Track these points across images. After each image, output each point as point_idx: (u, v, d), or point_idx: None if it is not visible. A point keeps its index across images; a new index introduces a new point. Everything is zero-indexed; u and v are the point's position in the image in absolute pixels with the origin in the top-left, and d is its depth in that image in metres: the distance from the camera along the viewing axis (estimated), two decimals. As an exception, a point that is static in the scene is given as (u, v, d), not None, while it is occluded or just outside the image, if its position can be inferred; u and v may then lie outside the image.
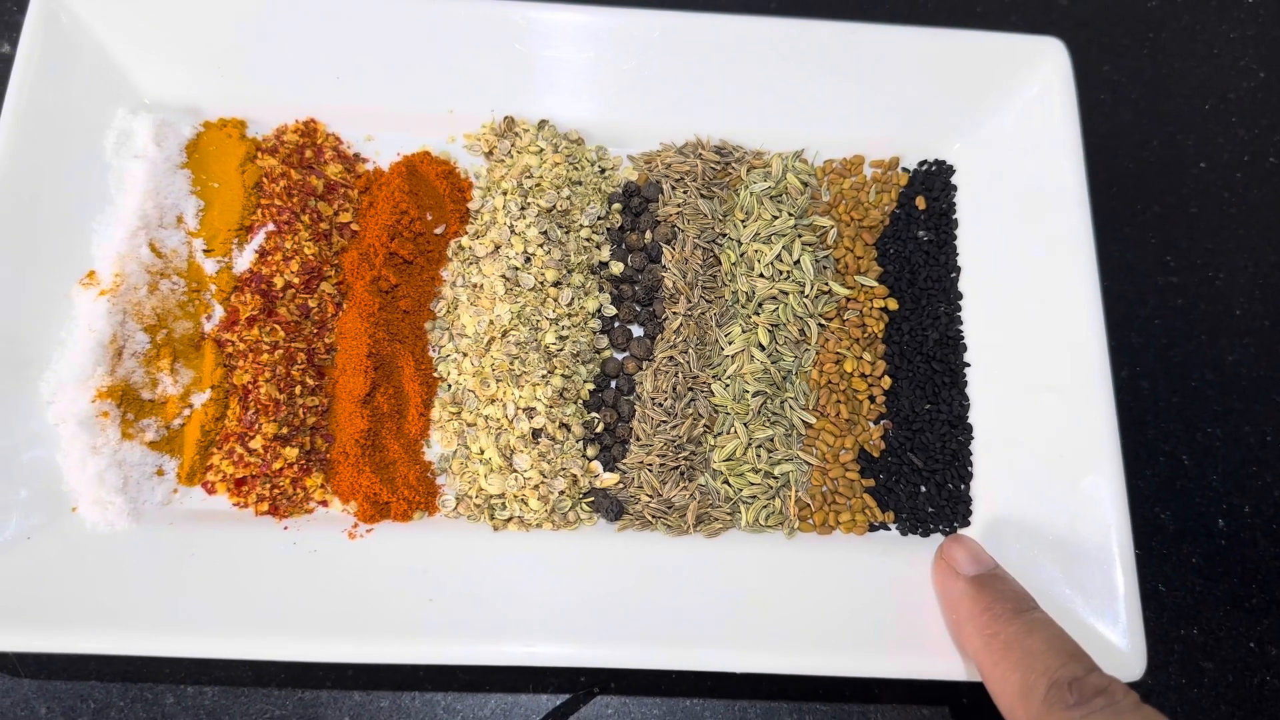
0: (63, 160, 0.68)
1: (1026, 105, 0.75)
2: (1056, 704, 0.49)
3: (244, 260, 0.69)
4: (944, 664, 0.60)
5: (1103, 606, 0.62)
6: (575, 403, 0.69)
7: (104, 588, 0.60)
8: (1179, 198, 0.83)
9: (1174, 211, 0.83)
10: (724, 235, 0.73)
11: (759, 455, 0.68)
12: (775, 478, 0.68)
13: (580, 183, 0.73)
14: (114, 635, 0.58)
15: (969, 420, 0.70)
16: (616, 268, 0.73)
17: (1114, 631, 0.61)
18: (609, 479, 0.67)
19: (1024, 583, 0.63)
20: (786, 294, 0.70)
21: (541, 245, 0.69)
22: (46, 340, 0.65)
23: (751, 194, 0.73)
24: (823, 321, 0.71)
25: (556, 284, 0.69)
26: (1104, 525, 0.64)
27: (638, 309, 0.72)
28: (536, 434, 0.67)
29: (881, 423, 0.71)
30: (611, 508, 0.66)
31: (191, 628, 0.59)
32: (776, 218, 0.72)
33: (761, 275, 0.71)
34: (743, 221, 0.73)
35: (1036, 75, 0.74)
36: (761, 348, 0.69)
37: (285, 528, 0.64)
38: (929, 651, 0.61)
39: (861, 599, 0.63)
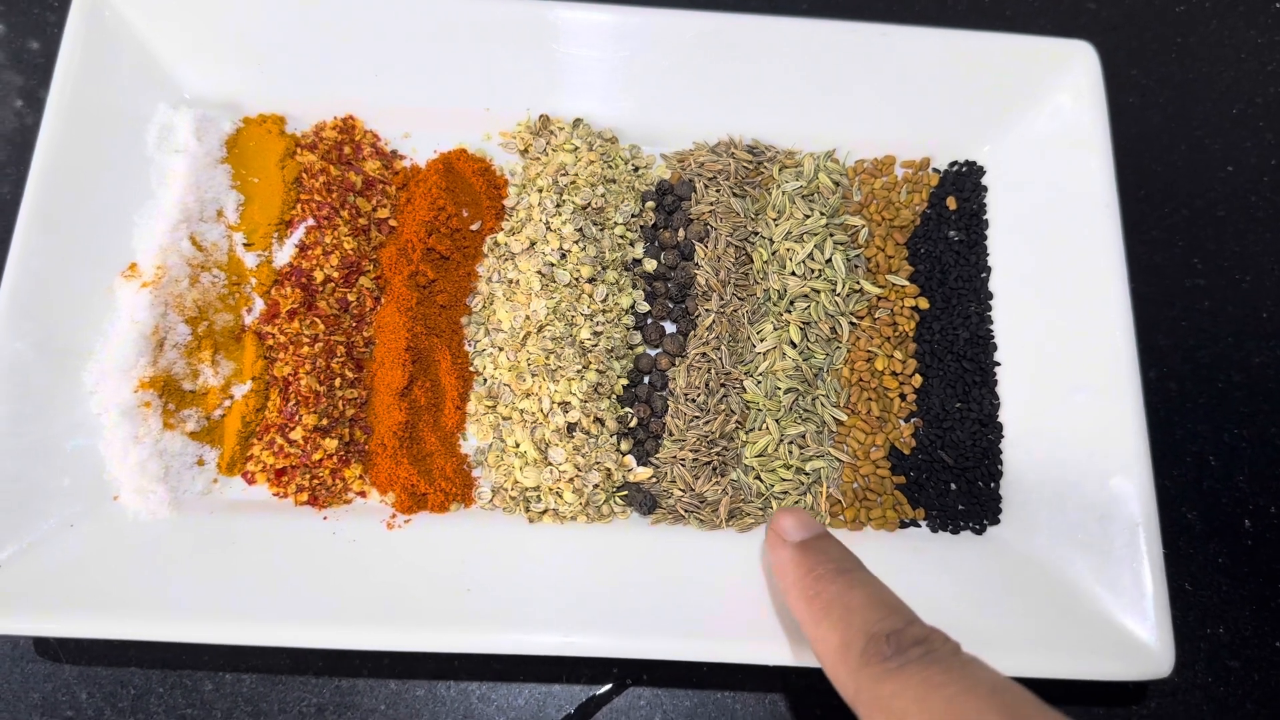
0: (105, 154, 0.69)
1: (1057, 108, 0.75)
2: (874, 658, 0.46)
3: (284, 254, 0.70)
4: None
5: (1131, 604, 0.62)
6: (609, 398, 0.69)
7: (144, 575, 0.61)
8: (1206, 201, 0.84)
9: (1201, 215, 0.83)
10: (756, 234, 0.74)
11: (791, 451, 0.68)
12: (807, 474, 0.68)
13: (614, 181, 0.74)
14: (154, 622, 0.59)
15: (999, 419, 0.71)
16: (650, 265, 0.73)
17: (1143, 629, 0.61)
18: (642, 473, 0.68)
19: (1052, 580, 0.65)
20: (818, 292, 0.71)
21: (577, 242, 0.70)
22: (89, 331, 0.65)
23: (784, 193, 0.74)
24: (854, 320, 0.72)
25: (591, 280, 0.70)
26: (1133, 524, 0.64)
27: (671, 306, 0.73)
28: (571, 428, 0.67)
29: (912, 421, 0.71)
30: (645, 502, 0.67)
31: (231, 615, 0.59)
32: (808, 217, 0.72)
33: (793, 273, 0.71)
34: (775, 220, 0.73)
35: (1067, 78, 0.74)
36: (793, 345, 0.70)
37: (324, 518, 0.65)
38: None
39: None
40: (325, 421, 0.66)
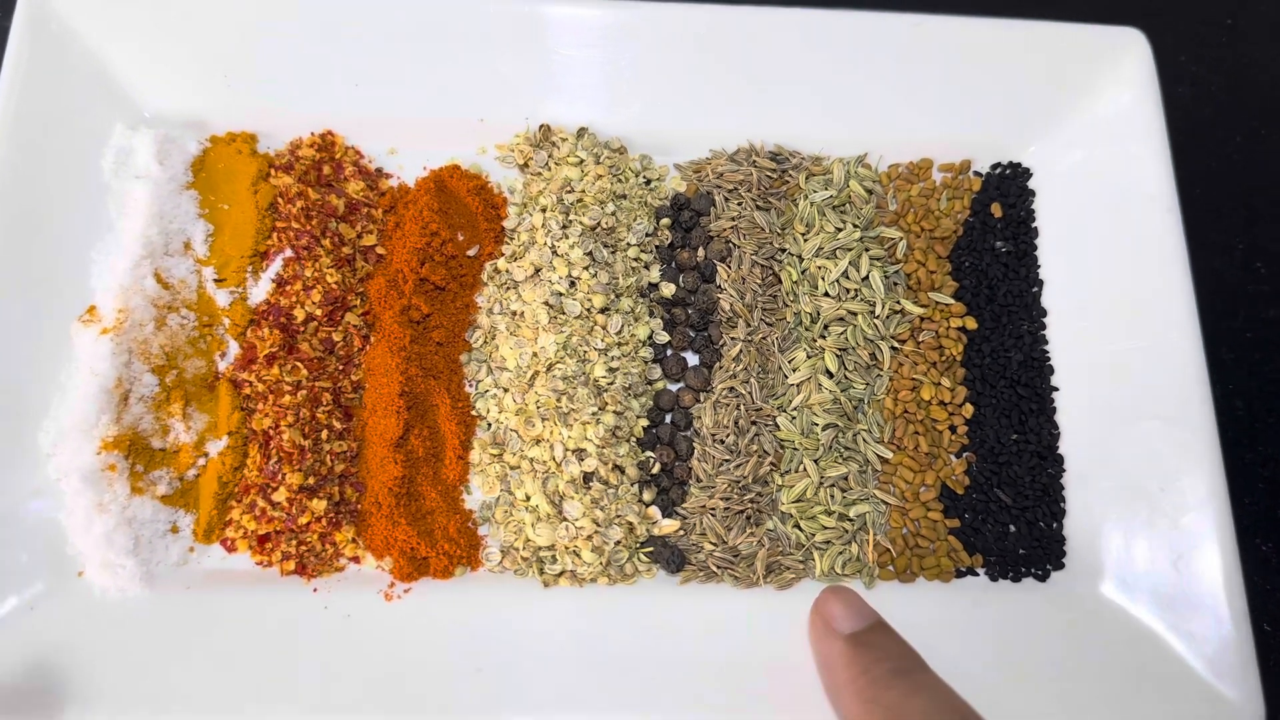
0: (57, 183, 0.65)
1: (1107, 102, 0.70)
2: None
3: (260, 290, 0.65)
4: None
5: (1213, 656, 0.59)
6: (628, 441, 0.63)
7: (115, 661, 0.57)
8: (1267, 199, 0.79)
9: (1262, 214, 0.78)
10: (783, 250, 0.68)
11: (832, 495, 0.63)
12: (851, 520, 0.63)
13: (625, 196, 0.68)
14: (128, 715, 0.55)
15: (1060, 451, 0.66)
16: (668, 289, 0.67)
17: (1226, 684, 0.58)
18: (668, 526, 0.62)
19: (1122, 631, 0.61)
20: (855, 314, 0.65)
21: (586, 268, 0.64)
22: (44, 385, 0.61)
23: (812, 204, 0.68)
24: (895, 344, 0.66)
25: (604, 310, 0.64)
26: (1210, 566, 0.60)
27: (692, 335, 0.67)
28: (588, 478, 0.62)
29: (964, 456, 0.66)
30: (672, 558, 0.61)
31: (213, 706, 0.56)
32: (840, 230, 0.67)
33: (826, 294, 0.66)
34: (804, 235, 0.68)
35: (1117, 69, 0.70)
36: (830, 375, 0.64)
37: (314, 589, 0.60)
38: (1033, 713, 0.57)
39: (951, 655, 0.57)
40: (311, 480, 0.61)
